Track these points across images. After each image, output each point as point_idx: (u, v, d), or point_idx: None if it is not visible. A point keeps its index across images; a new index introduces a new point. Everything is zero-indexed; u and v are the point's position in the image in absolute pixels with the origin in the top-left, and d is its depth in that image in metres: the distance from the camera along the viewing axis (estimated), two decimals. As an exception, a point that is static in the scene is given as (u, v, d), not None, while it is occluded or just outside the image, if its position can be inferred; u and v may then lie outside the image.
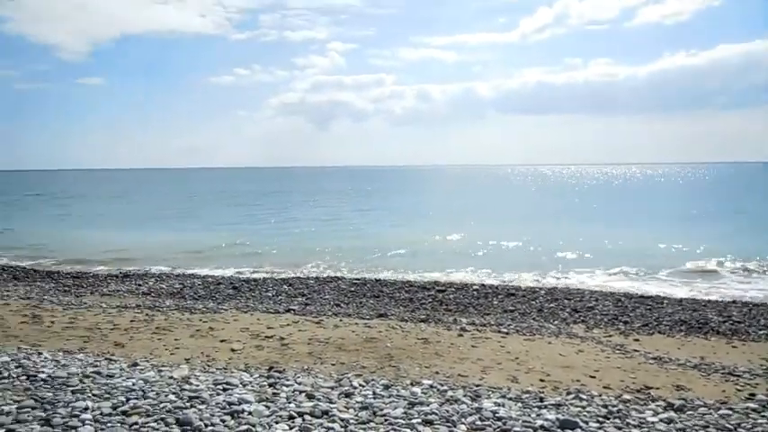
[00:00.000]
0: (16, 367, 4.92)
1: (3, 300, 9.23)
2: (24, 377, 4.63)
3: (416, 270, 13.52)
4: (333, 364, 5.66)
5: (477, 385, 4.92)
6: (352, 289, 10.89)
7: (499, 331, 7.55)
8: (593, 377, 5.49)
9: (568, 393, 4.83)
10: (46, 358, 5.38)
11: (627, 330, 7.95)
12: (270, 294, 10.24)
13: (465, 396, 4.52)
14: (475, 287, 11.17)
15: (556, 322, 8.47)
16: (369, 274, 12.93)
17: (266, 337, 6.87)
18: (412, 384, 4.85)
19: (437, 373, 5.39)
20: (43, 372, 4.77)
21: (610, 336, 7.66)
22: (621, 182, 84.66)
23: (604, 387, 5.15)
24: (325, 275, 12.57)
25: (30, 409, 3.89)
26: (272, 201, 40.66)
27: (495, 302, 9.89)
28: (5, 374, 4.70)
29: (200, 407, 4.01)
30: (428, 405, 4.23)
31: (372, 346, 6.46)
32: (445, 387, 4.76)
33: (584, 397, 4.71)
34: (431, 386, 4.79)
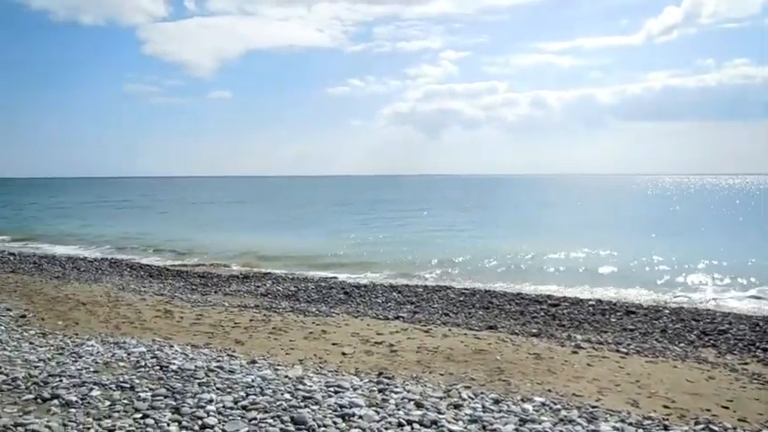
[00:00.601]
0: (151, 358, 5.40)
1: (140, 295, 10.18)
2: (158, 367, 5.07)
3: (527, 282, 13.14)
4: (441, 374, 5.64)
5: (594, 407, 4.68)
6: (461, 299, 10.80)
7: (618, 350, 7.13)
8: (726, 408, 5.02)
9: (697, 423, 4.46)
10: (176, 351, 5.85)
11: (766, 359, 7.19)
12: (379, 301, 10.42)
13: (580, 417, 4.32)
14: (591, 303, 10.65)
15: (682, 345, 7.86)
16: (478, 284, 12.76)
17: (376, 342, 7.00)
18: (523, 401, 4.71)
19: (550, 390, 5.20)
20: (174, 363, 5.19)
21: (746, 363, 6.97)
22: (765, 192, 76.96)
23: (739, 420, 4.70)
24: (434, 284, 12.58)
25: (162, 398, 4.25)
26: (384, 209, 41.37)
27: (613, 320, 9.36)
28: (143, 363, 5.18)
29: (314, 407, 4.16)
30: (540, 423, 4.09)
31: (482, 358, 6.36)
32: (558, 406, 4.58)
33: (716, 429, 4.32)
34: (543, 404, 4.63)
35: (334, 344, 6.88)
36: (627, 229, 26.85)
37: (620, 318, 9.49)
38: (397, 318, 8.84)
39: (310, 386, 4.72)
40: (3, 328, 6.73)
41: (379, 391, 4.74)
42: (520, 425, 4.04)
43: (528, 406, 4.52)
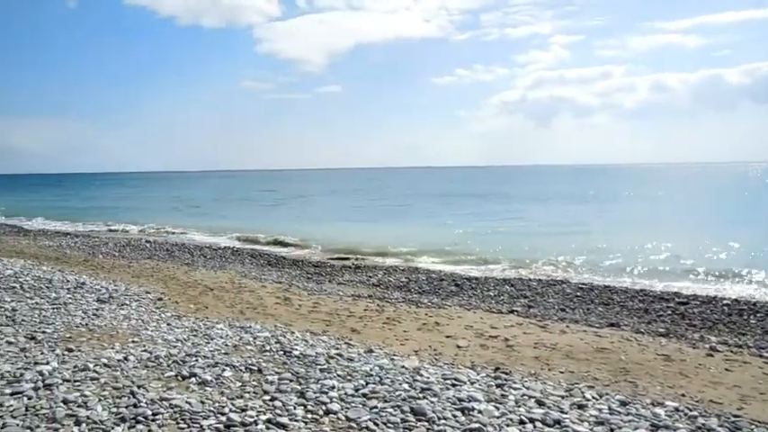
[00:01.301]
0: (275, 343, 5.69)
1: (261, 282, 10.76)
2: (282, 352, 5.33)
3: (651, 279, 12.36)
4: (561, 372, 5.45)
5: (736, 416, 4.30)
6: (578, 294, 10.37)
7: (761, 355, 6.51)
8: None
9: None
10: (297, 337, 6.12)
11: None
12: (492, 294, 10.26)
13: (721, 426, 3.99)
14: (725, 302, 9.81)
15: (840, 352, 7.02)
16: (596, 279, 12.19)
17: (490, 336, 6.90)
18: (653, 404, 4.43)
19: (683, 395, 4.85)
20: (296, 349, 5.43)
21: None
22: None
23: None
24: (548, 278, 12.18)
25: (288, 381, 4.46)
26: (493, 201, 40.64)
27: (753, 321, 8.56)
28: (268, 348, 5.47)
29: (433, 399, 4.18)
30: (675, 430, 3.83)
31: (604, 357, 6.07)
32: (695, 413, 4.26)
33: None
34: (676, 409, 4.33)
35: (447, 336, 6.87)
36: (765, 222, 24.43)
37: (762, 319, 8.66)
38: (512, 312, 8.66)
39: (427, 377, 4.75)
40: (143, 309, 7.39)
41: (498, 386, 4.67)
42: (652, 430, 3.81)
43: (660, 411, 4.25)
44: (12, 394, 3.94)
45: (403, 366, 5.07)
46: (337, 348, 5.69)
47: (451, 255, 15.80)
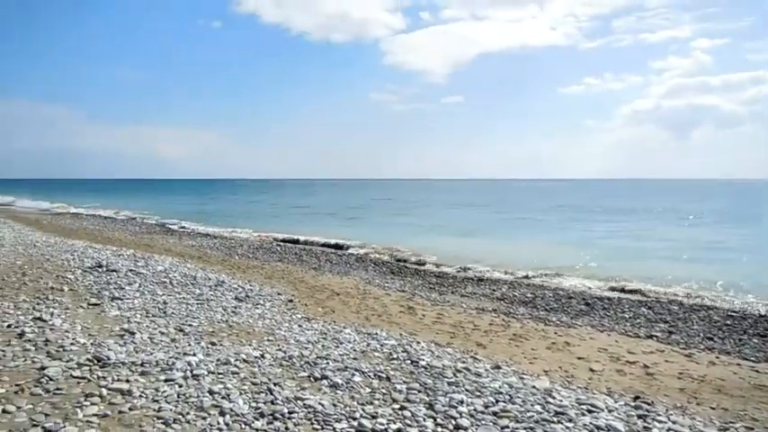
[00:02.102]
0: (402, 351, 5.71)
1: (384, 290, 10.91)
2: (409, 361, 5.34)
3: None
4: (712, 408, 4.95)
5: None
6: (728, 323, 9.40)
7: None
8: None
9: None
10: (423, 347, 6.10)
11: None
12: (626, 316, 9.61)
13: None
14: None
15: None
16: (748, 307, 11.00)
17: (627, 362, 6.45)
18: (831, 456, 3.88)
19: None
20: (423, 359, 5.42)
21: None
22: None
23: None
24: (691, 302, 11.18)
25: (416, 392, 4.45)
26: (626, 216, 38.27)
27: None
28: (395, 356, 5.50)
29: (568, 424, 3.97)
30: None
31: (764, 395, 5.43)
32: None
33: None
34: None
35: (579, 358, 6.52)
36: None
37: None
38: (650, 337, 8.04)
39: (560, 400, 4.52)
40: (276, 310, 7.77)
41: (639, 417, 4.33)
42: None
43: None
44: (165, 381, 4.29)
45: (533, 386, 4.87)
46: (464, 362, 5.59)
47: (579, 272, 15.04)
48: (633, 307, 10.35)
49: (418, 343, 6.31)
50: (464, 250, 19.41)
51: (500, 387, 4.72)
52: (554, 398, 4.58)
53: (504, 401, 4.36)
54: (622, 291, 12.48)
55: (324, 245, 20.10)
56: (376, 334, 6.60)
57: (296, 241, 20.86)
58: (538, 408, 4.27)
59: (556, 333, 7.82)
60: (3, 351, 4.65)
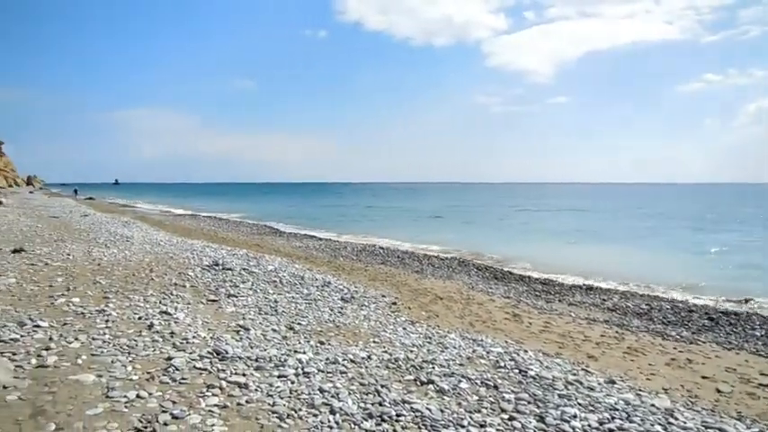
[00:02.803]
0: (509, 360, 5.58)
1: (488, 295, 10.74)
2: (517, 371, 5.20)
3: None
4: None
5: None
6: None
7: None
8: None
9: None
10: (531, 357, 5.92)
11: None
12: (758, 334, 8.78)
13: None
14: None
15: None
16: None
17: (760, 384, 5.89)
18: None
19: None
20: (531, 369, 5.25)
21: None
22: None
23: None
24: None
25: (525, 403, 4.32)
26: (748, 224, 35.11)
27: None
28: (502, 365, 5.38)
29: (695, 448, 3.67)
30: None
31: None
32: None
33: None
34: None
35: (704, 377, 6.04)
36: None
37: None
38: (787, 358, 7.29)
39: (684, 422, 4.21)
40: (380, 312, 7.86)
41: (777, 446, 3.93)
42: None
43: None
44: (279, 377, 4.47)
45: (653, 405, 4.57)
46: (575, 374, 5.36)
47: (697, 284, 13.95)
48: (766, 324, 9.45)
49: (525, 352, 6.13)
50: (570, 257, 18.67)
51: (615, 403, 4.47)
52: (677, 419, 4.27)
53: (621, 419, 4.13)
54: (748, 305, 11.44)
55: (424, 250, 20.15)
56: (481, 340, 6.50)
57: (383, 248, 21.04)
58: (659, 428, 4.01)
59: (675, 349, 7.31)
60: (135, 341, 5.07)
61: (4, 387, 3.78)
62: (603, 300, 11.26)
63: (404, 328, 6.82)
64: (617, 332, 8.07)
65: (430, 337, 6.43)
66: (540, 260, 17.41)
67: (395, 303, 8.73)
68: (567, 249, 21.69)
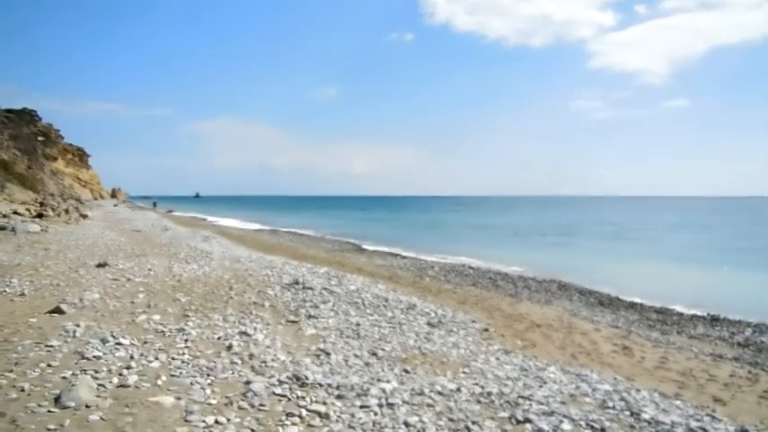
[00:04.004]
0: (619, 400, 5.31)
1: (593, 324, 10.33)
2: (628, 413, 4.94)
3: None
4: None
5: None
6: None
7: None
8: None
9: None
10: (644, 397, 5.62)
11: None
12: None
13: None
14: None
15: None
16: None
17: None
18: None
19: None
20: (645, 412, 4.98)
21: None
22: None
23: None
24: None
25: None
26: None
27: None
28: (610, 405, 5.13)
29: None
30: None
31: None
32: None
33: None
34: None
35: None
36: None
37: None
38: None
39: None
40: (471, 339, 7.75)
41: None
42: None
43: None
44: (361, 407, 4.50)
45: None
46: (698, 420, 5.03)
47: None
48: None
49: (638, 391, 5.82)
50: (688, 281, 17.65)
51: (750, 457, 4.14)
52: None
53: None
54: None
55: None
56: (586, 375, 6.25)
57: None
58: (805, 489, 3.66)
59: (824, 394, 6.69)
60: (214, 362, 5.27)
61: (87, 406, 4.03)
62: (732, 333, 10.53)
63: (497, 358, 6.69)
64: (750, 372, 7.51)
65: (526, 370, 6.26)
66: (653, 284, 16.58)
67: (487, 330, 8.60)
68: (685, 272, 20.51)
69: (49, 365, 4.73)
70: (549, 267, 20.74)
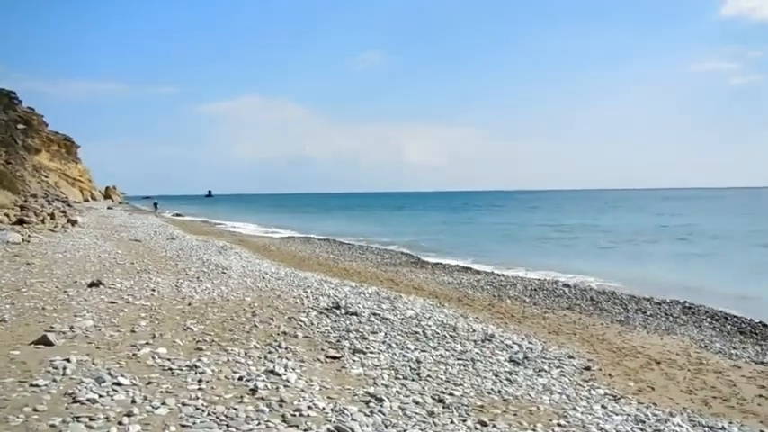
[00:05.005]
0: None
1: (732, 360, 10.06)
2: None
3: None
4: None
5: None
6: None
7: None
8: None
9: None
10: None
11: None
12: None
13: None
14: None
15: None
16: None
17: None
18: None
19: None
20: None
21: None
22: None
23: None
24: None
25: None
26: None
27: None
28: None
29: None
30: None
31: None
32: None
33: None
34: None
35: None
36: None
37: None
38: None
39: None
40: (567, 380, 7.65)
41: None
42: None
43: None
44: (424, 470, 4.48)
45: None
46: None
47: None
48: None
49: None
50: None
51: None
52: None
53: None
54: None
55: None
56: (722, 428, 6.08)
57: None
58: None
59: None
60: (235, 410, 5.34)
61: (79, 464, 4.15)
62: None
63: (603, 406, 6.61)
64: None
65: (643, 422, 6.17)
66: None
67: (588, 368, 8.50)
68: None
69: (35, 410, 4.88)
70: (669, 284, 20.30)
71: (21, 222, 22.28)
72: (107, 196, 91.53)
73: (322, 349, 7.80)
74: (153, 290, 11.05)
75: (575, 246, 36.03)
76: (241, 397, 5.71)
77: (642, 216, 71.59)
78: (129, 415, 5.00)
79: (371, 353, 7.79)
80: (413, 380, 6.84)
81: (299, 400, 5.71)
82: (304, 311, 9.99)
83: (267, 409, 5.43)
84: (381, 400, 5.94)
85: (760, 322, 14.00)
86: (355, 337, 8.49)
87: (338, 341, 8.24)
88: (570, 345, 10.10)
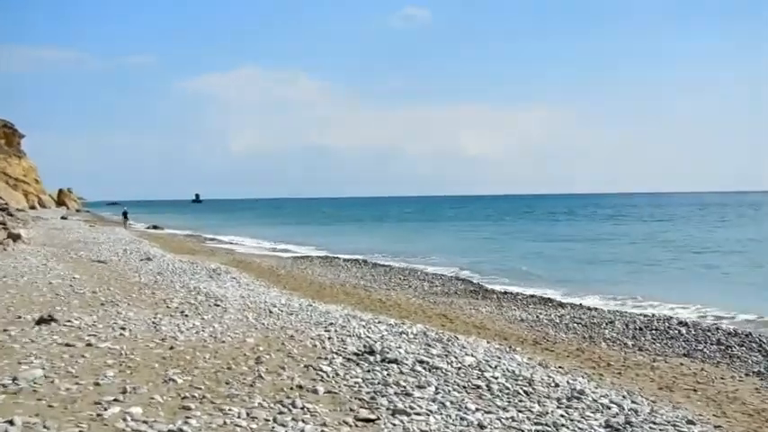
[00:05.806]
0: None
1: None
2: None
3: None
4: None
5: None
6: None
7: None
8: None
9: None
10: None
11: None
12: None
13: None
14: None
15: None
16: None
17: None
18: None
19: None
20: None
21: None
22: None
23: None
24: None
25: None
26: None
27: None
28: None
29: None
30: None
31: None
32: None
33: None
34: None
35: None
36: None
37: None
38: None
39: None
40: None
41: None
42: None
43: None
44: None
45: None
46: None
47: None
48: None
49: None
50: None
51: None
52: None
53: None
54: None
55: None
56: None
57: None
58: None
59: None
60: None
61: None
62: None
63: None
64: None
65: None
66: None
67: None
68: None
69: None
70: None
71: (-55, 238, 22.55)
72: (60, 202, 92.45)
73: (351, 409, 7.76)
74: (123, 328, 11.10)
75: (693, 268, 35.48)
76: (242, 475, 5.70)
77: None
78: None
79: (417, 414, 7.73)
80: (475, 453, 6.79)
81: (322, 482, 5.69)
82: (326, 358, 9.96)
83: (279, 496, 5.42)
84: (433, 481, 5.90)
85: None
86: (395, 393, 8.43)
87: (372, 398, 8.19)
88: (689, 405, 9.96)
